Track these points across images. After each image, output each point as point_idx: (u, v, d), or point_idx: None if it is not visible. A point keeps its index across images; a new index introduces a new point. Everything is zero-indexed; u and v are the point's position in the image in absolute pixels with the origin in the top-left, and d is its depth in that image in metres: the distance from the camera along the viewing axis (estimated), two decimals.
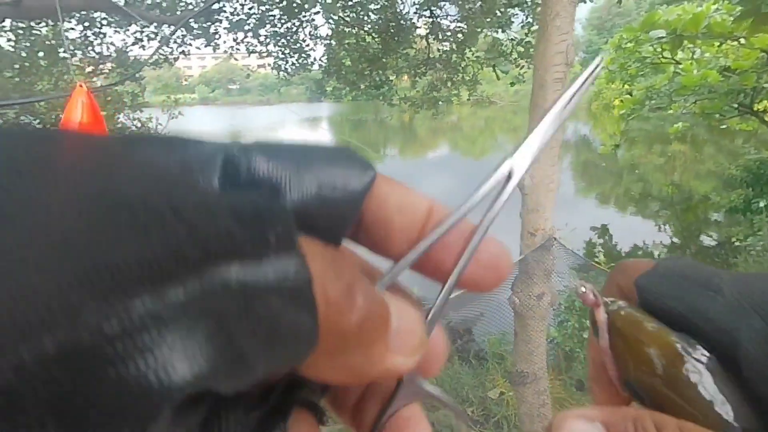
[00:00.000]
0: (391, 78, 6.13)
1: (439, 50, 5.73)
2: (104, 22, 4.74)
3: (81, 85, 1.16)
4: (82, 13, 4.60)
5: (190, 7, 5.04)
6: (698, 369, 0.16)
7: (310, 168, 0.13)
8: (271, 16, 5.46)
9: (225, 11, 5.04)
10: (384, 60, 5.57)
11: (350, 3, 5.38)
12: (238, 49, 5.58)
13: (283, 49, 5.80)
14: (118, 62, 4.94)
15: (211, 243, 0.09)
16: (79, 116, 1.12)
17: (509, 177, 0.15)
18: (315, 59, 6.07)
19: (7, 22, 4.34)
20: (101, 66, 4.92)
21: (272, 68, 5.92)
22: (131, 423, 0.08)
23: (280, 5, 5.27)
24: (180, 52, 5.18)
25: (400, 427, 0.15)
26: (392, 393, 0.15)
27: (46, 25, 4.60)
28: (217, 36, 5.12)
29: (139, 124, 5.94)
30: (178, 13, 4.81)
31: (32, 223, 0.08)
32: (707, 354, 0.17)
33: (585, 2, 4.72)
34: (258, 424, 0.13)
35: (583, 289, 0.19)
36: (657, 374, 0.17)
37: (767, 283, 0.17)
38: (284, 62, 5.85)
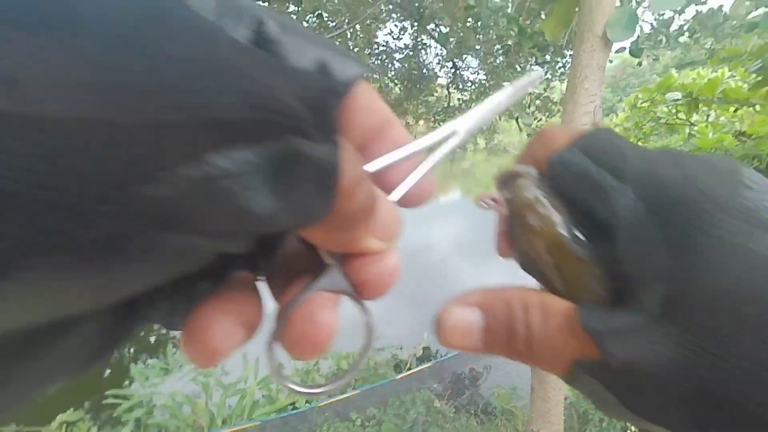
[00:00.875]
0: (410, 123, 6.30)
1: (459, 99, 5.92)
2: None
3: None
4: None
5: None
6: (574, 259, 0.17)
7: (315, 44, 0.14)
8: None
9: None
10: (405, 105, 5.75)
11: (377, 51, 5.64)
12: None
13: None
14: None
15: (291, 119, 0.11)
16: None
17: (453, 134, 0.19)
18: None
19: None
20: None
21: None
22: (230, 235, 0.11)
23: None
24: None
25: (311, 308, 0.16)
26: (315, 278, 0.16)
27: None
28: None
29: None
30: None
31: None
32: (589, 245, 0.18)
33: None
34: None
35: (485, 204, 0.20)
36: (539, 258, 0.18)
37: (671, 170, 0.16)
38: None
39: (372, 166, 0.17)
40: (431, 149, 0.19)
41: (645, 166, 0.17)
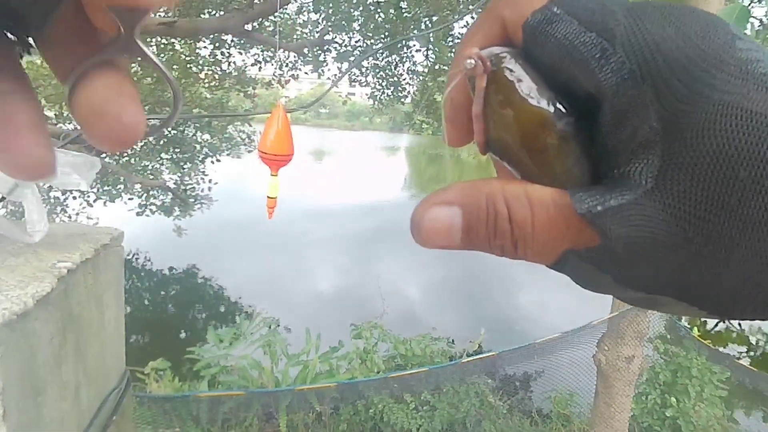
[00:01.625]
0: None
1: None
2: (231, 43, 5.35)
3: (279, 104, 1.36)
4: (215, 34, 5.25)
5: (305, 36, 5.56)
6: (558, 141, 0.16)
7: None
8: (375, 49, 5.83)
9: (336, 42, 5.47)
10: None
11: (450, 44, 5.60)
12: (341, 78, 5.98)
13: (380, 81, 6.14)
14: (237, 80, 5.53)
15: None
16: (275, 129, 1.31)
17: None
18: (409, 93, 6.34)
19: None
20: (223, 82, 5.52)
21: (369, 97, 6.26)
22: None
23: (385, 40, 5.62)
24: (290, 76, 5.67)
25: (100, 72, 0.14)
26: (107, 43, 0.15)
27: (185, 43, 5.30)
28: (324, 64, 5.56)
29: (244, 136, 6.52)
30: (295, 40, 5.31)
31: None
32: (571, 120, 0.16)
33: None
34: None
35: (471, 62, 0.16)
36: (517, 141, 0.16)
37: (663, 26, 0.15)
38: (380, 93, 6.17)
39: None
40: None
41: (634, 24, 0.15)
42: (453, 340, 4.01)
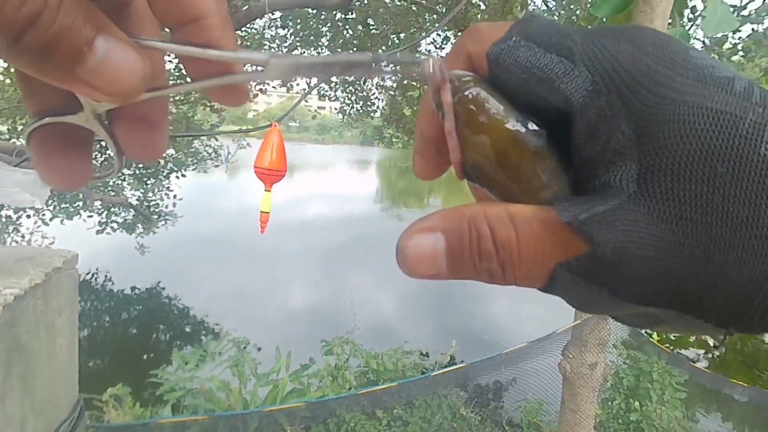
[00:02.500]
0: None
1: None
2: None
3: (275, 125, 1.41)
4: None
5: (273, 50, 5.54)
6: (533, 156, 0.16)
7: None
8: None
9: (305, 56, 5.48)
10: None
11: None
12: (310, 92, 5.99)
13: (349, 95, 6.19)
14: (203, 94, 5.44)
15: None
16: (271, 146, 1.38)
17: (263, 64, 0.17)
18: (378, 107, 6.41)
19: None
20: (188, 96, 5.42)
21: (338, 112, 6.29)
22: None
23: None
24: (258, 90, 5.63)
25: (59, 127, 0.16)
26: (71, 108, 0.16)
27: None
28: (293, 78, 5.56)
29: (211, 151, 6.40)
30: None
31: None
32: (543, 133, 0.16)
33: None
34: None
35: (430, 68, 0.17)
36: (492, 161, 0.16)
37: (619, 42, 0.16)
38: (349, 107, 6.21)
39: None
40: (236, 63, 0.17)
41: (591, 42, 0.16)
42: (427, 353, 4.01)
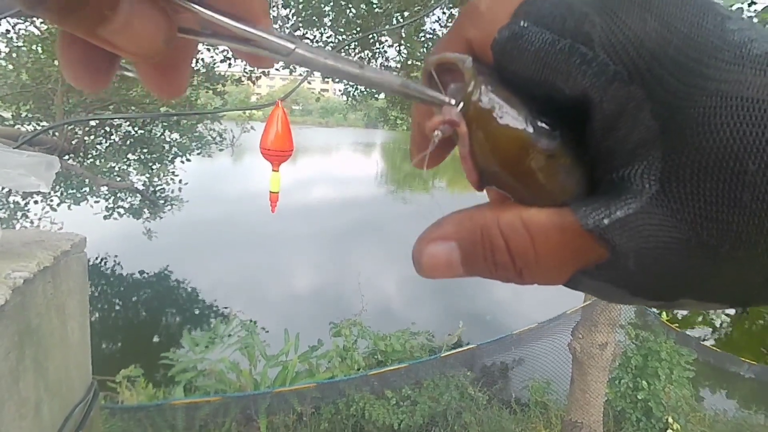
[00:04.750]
0: None
1: None
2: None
3: (278, 104, 1.40)
4: None
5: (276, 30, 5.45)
6: (545, 159, 0.15)
7: None
8: (347, 45, 5.78)
9: (307, 38, 5.40)
10: None
11: (422, 39, 5.62)
12: (312, 73, 5.92)
13: None
14: (206, 77, 5.38)
15: None
16: (275, 127, 1.37)
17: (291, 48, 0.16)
18: None
19: None
20: (191, 79, 5.36)
21: (342, 94, 6.22)
22: None
23: (356, 36, 5.58)
24: (261, 72, 5.56)
25: None
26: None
27: None
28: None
29: (215, 134, 6.37)
30: None
31: None
32: (556, 134, 0.15)
33: None
34: None
35: (438, 133, 0.15)
36: (505, 169, 0.15)
37: (644, 20, 0.14)
38: (353, 89, 6.13)
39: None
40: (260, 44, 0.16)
41: (611, 22, 0.14)
42: (433, 335, 4.04)
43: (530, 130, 0.15)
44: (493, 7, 0.16)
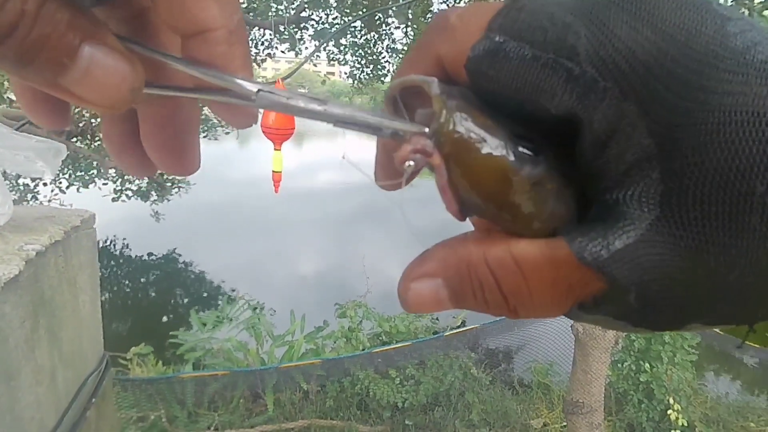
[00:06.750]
0: None
1: None
2: None
3: (278, 81, 1.40)
4: None
5: (280, 13, 5.39)
6: (529, 187, 0.14)
7: None
8: (353, 27, 5.71)
9: (313, 19, 5.33)
10: None
11: (429, 20, 5.53)
12: (318, 56, 5.86)
13: (359, 59, 6.03)
14: None
15: None
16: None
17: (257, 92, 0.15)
18: (389, 71, 6.26)
19: None
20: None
21: (348, 77, 6.16)
22: None
23: (363, 17, 5.50)
24: (266, 54, 5.52)
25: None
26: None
27: None
28: (301, 42, 5.43)
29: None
30: (271, 17, 5.15)
31: None
32: (541, 159, 0.14)
33: None
34: None
35: (410, 164, 0.14)
36: (488, 201, 0.14)
37: (635, 27, 0.12)
38: (359, 71, 6.07)
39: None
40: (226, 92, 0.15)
41: (599, 33, 0.13)
42: (437, 317, 4.07)
43: (511, 158, 0.14)
44: (465, 18, 0.14)
